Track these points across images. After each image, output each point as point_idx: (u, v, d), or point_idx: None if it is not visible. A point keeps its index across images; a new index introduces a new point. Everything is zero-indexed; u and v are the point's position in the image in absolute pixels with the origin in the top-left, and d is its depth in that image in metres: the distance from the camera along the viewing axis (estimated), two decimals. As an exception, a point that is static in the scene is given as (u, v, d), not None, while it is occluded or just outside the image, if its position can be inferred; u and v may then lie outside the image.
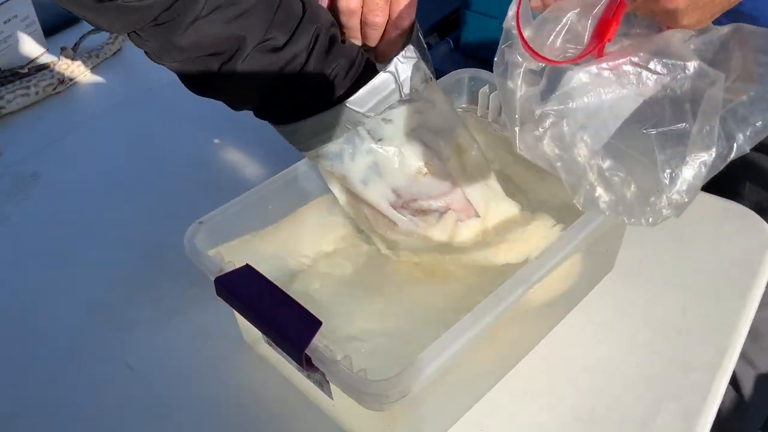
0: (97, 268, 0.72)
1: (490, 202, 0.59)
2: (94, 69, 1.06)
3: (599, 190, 0.45)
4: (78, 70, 1.04)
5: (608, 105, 0.45)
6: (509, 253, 0.58)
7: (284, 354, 0.49)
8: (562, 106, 0.45)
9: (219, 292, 0.50)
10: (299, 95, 0.51)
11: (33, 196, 0.83)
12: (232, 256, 0.54)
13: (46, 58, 1.07)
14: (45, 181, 0.86)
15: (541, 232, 0.59)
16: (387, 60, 0.52)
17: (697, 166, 0.43)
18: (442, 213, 0.57)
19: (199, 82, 0.50)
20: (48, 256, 0.75)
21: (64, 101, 1.01)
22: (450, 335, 0.45)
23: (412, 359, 0.43)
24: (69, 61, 1.03)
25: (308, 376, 0.52)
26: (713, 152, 0.43)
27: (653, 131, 0.44)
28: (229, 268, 0.51)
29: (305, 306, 0.46)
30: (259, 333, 0.51)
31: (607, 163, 0.45)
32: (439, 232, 0.58)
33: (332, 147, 0.54)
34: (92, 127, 0.95)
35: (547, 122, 0.45)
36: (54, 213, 0.81)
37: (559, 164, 0.45)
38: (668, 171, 0.44)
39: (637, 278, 0.67)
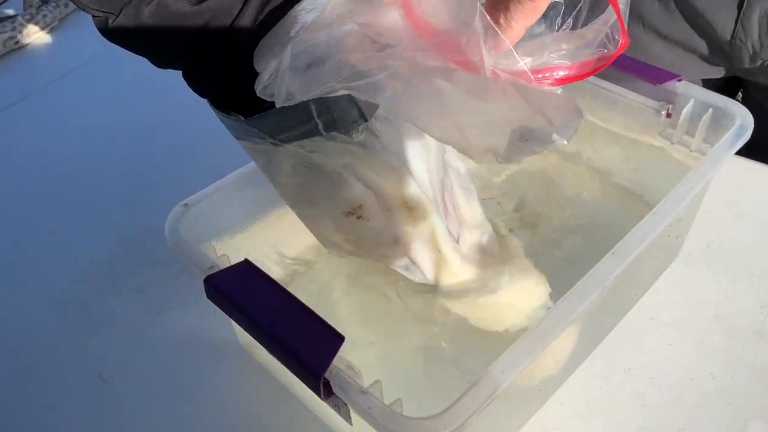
0: (61, 255, 0.65)
1: (442, 272, 0.49)
2: (62, 21, 1.00)
3: None
4: (44, 22, 0.96)
5: None
6: (480, 316, 0.51)
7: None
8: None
9: (210, 295, 0.43)
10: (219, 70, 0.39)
11: (-15, 169, 0.77)
12: (225, 247, 0.47)
13: (6, 7, 1.00)
14: (-1, 151, 0.80)
15: (519, 310, 0.51)
16: None
17: None
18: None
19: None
20: (1, 242, 0.68)
21: (26, 59, 0.94)
22: (506, 360, 0.37)
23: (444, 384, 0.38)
24: (33, 11, 0.95)
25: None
26: None
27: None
28: (223, 264, 0.44)
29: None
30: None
31: None
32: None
33: (254, 145, 0.42)
34: (57, 90, 0.89)
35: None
36: (9, 190, 0.74)
37: None
38: None
39: (707, 267, 0.60)
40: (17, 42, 0.93)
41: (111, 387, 0.54)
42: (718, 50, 0.71)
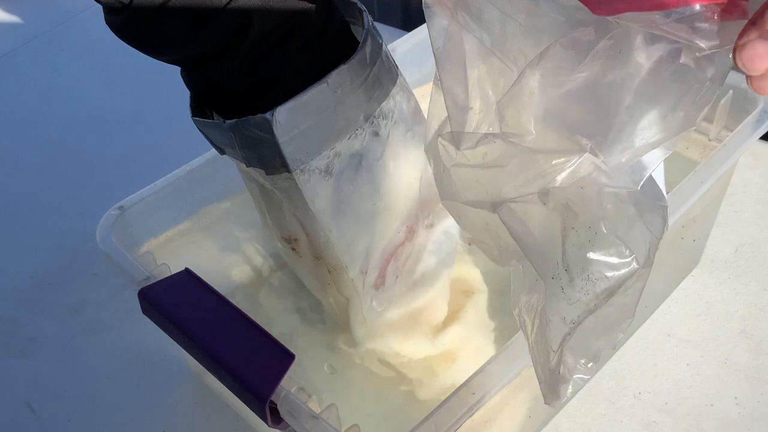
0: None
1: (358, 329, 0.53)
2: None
3: None
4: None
5: None
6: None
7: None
8: None
9: (145, 309, 0.45)
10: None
11: None
12: (166, 256, 0.48)
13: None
14: None
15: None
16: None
17: None
18: None
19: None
20: None
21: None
22: (478, 380, 0.39)
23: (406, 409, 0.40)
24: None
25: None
26: None
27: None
28: (162, 274, 0.46)
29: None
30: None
31: None
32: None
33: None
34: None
35: None
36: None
37: None
38: None
39: (734, 276, 0.62)
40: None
41: (39, 418, 0.55)
42: None
